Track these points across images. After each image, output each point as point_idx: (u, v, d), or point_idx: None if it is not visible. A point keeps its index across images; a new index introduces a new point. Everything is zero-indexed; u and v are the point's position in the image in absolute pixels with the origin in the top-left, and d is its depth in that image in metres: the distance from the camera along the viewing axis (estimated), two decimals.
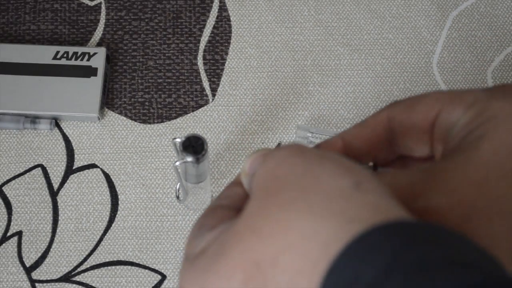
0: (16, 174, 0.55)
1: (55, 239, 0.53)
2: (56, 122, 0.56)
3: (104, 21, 0.60)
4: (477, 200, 0.34)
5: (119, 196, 0.54)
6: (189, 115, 0.57)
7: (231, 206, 0.34)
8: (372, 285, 0.26)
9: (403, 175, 0.36)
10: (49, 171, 0.55)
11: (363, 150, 0.41)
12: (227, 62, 0.58)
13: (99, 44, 0.59)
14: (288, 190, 0.30)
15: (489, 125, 0.37)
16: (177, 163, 0.45)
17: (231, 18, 0.60)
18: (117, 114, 0.57)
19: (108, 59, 0.58)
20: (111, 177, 0.55)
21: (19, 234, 0.53)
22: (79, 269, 0.52)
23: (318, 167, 0.31)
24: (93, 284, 0.52)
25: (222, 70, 0.58)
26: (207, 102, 0.57)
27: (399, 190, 0.35)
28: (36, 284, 0.52)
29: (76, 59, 0.56)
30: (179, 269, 0.29)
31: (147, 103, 0.57)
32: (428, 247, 0.27)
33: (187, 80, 0.58)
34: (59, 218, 0.54)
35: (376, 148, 0.42)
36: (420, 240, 0.27)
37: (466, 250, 0.28)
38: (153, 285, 0.52)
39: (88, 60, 0.56)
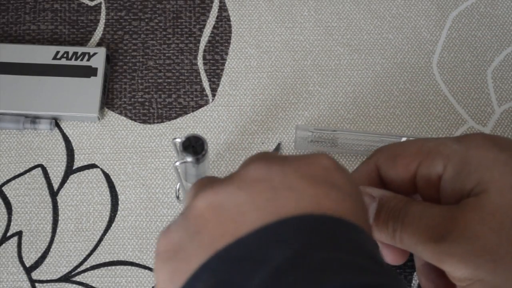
0: (16, 174, 0.55)
1: (55, 239, 0.53)
2: (56, 122, 0.56)
3: (104, 21, 0.60)
4: (499, 247, 0.39)
5: (119, 196, 0.54)
6: (189, 115, 0.57)
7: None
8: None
9: (429, 214, 0.41)
10: (49, 171, 0.55)
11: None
12: (227, 62, 0.58)
13: (99, 44, 0.59)
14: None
15: (482, 173, 0.41)
16: (177, 163, 0.45)
17: (231, 18, 0.60)
18: (117, 114, 0.57)
19: (108, 59, 0.58)
20: (111, 177, 0.55)
21: (19, 234, 0.53)
22: (79, 269, 0.52)
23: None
24: (93, 284, 0.52)
25: (222, 70, 0.58)
26: (207, 102, 0.57)
27: (426, 229, 0.41)
28: (36, 284, 0.52)
29: (76, 59, 0.56)
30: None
31: (147, 103, 0.57)
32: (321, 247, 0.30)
33: (187, 80, 0.58)
34: (59, 218, 0.54)
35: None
36: (317, 241, 0.30)
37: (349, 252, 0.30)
38: (153, 285, 0.52)
39: (88, 60, 0.56)
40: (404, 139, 0.54)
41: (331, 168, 0.33)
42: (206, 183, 0.34)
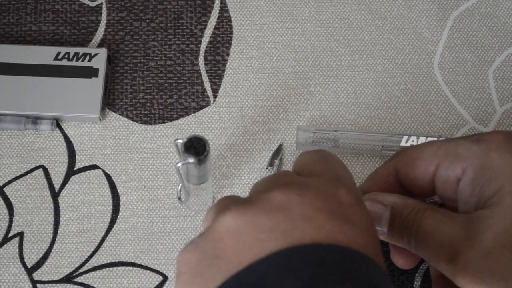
0: (18, 175, 0.55)
1: (56, 240, 0.53)
2: (57, 123, 0.56)
3: (105, 21, 0.60)
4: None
5: (120, 197, 0.54)
6: (190, 116, 0.57)
7: None
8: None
9: (441, 231, 0.41)
10: (50, 172, 0.55)
11: None
12: (228, 63, 0.58)
13: (100, 45, 0.59)
14: None
15: (502, 181, 0.40)
16: (179, 164, 0.45)
17: (232, 19, 0.60)
18: (118, 115, 0.57)
19: (109, 59, 0.58)
20: (112, 178, 0.55)
21: (20, 235, 0.53)
22: (80, 270, 0.52)
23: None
24: (95, 285, 0.52)
25: (223, 71, 0.58)
26: (208, 103, 0.57)
27: (438, 247, 0.41)
28: (38, 285, 0.52)
29: (77, 60, 0.56)
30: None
31: (148, 104, 0.57)
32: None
33: (188, 81, 0.58)
34: (60, 219, 0.54)
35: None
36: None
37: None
38: (154, 285, 0.52)
39: (89, 61, 0.56)
40: (405, 137, 0.54)
41: (349, 203, 0.34)
42: (226, 205, 0.34)
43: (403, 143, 0.54)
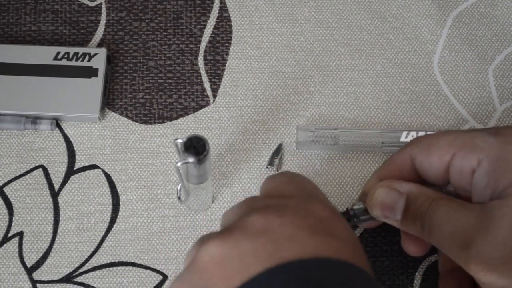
0: (17, 175, 0.55)
1: (56, 239, 0.53)
2: (57, 123, 0.56)
3: (104, 21, 0.60)
4: None
5: (120, 197, 0.54)
6: (190, 115, 0.57)
7: None
8: None
9: (455, 220, 0.41)
10: (50, 171, 0.55)
11: None
12: (227, 63, 0.58)
13: (99, 45, 0.59)
14: None
15: None
16: (179, 164, 0.45)
17: (232, 19, 0.60)
18: (118, 115, 0.57)
19: (109, 59, 0.58)
20: (112, 177, 0.55)
21: (20, 234, 0.53)
22: (80, 270, 0.52)
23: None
24: (94, 285, 0.52)
25: (223, 70, 0.58)
26: (208, 103, 0.57)
27: (452, 235, 0.41)
28: (38, 285, 0.52)
29: (76, 60, 0.56)
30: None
31: (148, 104, 0.57)
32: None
33: (188, 81, 0.58)
34: (60, 218, 0.54)
35: (410, 181, 0.47)
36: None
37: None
38: (154, 285, 0.52)
39: (88, 60, 0.56)
40: (404, 133, 0.54)
41: (327, 217, 0.35)
42: (207, 237, 0.35)
43: (402, 139, 0.54)
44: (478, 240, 0.39)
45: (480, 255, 0.39)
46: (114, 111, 0.57)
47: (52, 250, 0.53)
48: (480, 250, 0.39)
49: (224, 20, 0.60)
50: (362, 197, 0.49)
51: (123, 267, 0.52)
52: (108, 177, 0.55)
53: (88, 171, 0.55)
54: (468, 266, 0.40)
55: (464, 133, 0.44)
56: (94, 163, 0.55)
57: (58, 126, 0.56)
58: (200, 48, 0.59)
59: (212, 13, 0.60)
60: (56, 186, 0.54)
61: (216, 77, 0.58)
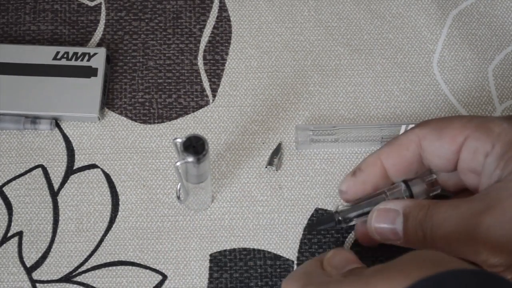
0: (17, 174, 0.55)
1: (55, 239, 0.53)
2: (56, 123, 0.56)
3: (104, 21, 0.60)
4: None
5: (119, 197, 0.54)
6: (189, 115, 0.57)
7: None
8: None
9: (463, 205, 0.41)
10: (49, 171, 0.55)
11: (400, 166, 0.46)
12: (227, 63, 0.58)
13: (99, 45, 0.59)
14: None
15: None
16: (178, 164, 0.45)
17: (231, 19, 0.60)
18: (117, 115, 0.57)
19: (108, 59, 0.58)
20: (111, 177, 0.55)
21: (19, 234, 0.53)
22: (80, 270, 0.52)
23: None
24: (94, 285, 0.52)
25: (222, 70, 0.58)
26: (207, 103, 0.57)
27: (456, 226, 0.41)
28: (37, 285, 0.52)
29: (76, 60, 0.56)
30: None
31: (147, 104, 0.57)
32: None
33: (187, 81, 0.58)
34: (60, 218, 0.54)
35: (411, 163, 0.47)
36: None
37: None
38: (154, 285, 0.52)
39: (88, 60, 0.56)
40: (403, 126, 0.54)
41: None
42: None
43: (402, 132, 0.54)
44: (486, 220, 0.39)
45: (488, 235, 0.39)
46: (113, 111, 0.57)
47: (52, 249, 0.53)
48: (488, 229, 0.39)
49: (223, 19, 0.60)
50: (356, 171, 0.49)
51: (122, 267, 0.52)
52: (107, 176, 0.55)
53: (87, 170, 0.55)
54: (477, 251, 0.40)
55: (478, 117, 0.45)
56: (93, 162, 0.55)
57: (58, 125, 0.56)
58: (200, 47, 0.59)
59: (211, 12, 0.60)
60: (56, 186, 0.54)
61: (215, 76, 0.58)
